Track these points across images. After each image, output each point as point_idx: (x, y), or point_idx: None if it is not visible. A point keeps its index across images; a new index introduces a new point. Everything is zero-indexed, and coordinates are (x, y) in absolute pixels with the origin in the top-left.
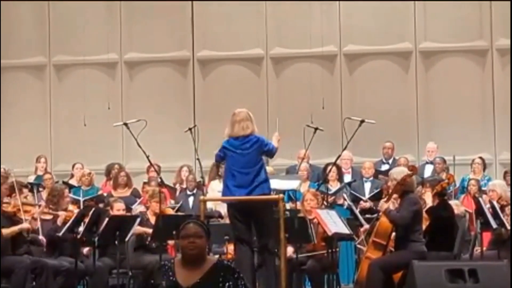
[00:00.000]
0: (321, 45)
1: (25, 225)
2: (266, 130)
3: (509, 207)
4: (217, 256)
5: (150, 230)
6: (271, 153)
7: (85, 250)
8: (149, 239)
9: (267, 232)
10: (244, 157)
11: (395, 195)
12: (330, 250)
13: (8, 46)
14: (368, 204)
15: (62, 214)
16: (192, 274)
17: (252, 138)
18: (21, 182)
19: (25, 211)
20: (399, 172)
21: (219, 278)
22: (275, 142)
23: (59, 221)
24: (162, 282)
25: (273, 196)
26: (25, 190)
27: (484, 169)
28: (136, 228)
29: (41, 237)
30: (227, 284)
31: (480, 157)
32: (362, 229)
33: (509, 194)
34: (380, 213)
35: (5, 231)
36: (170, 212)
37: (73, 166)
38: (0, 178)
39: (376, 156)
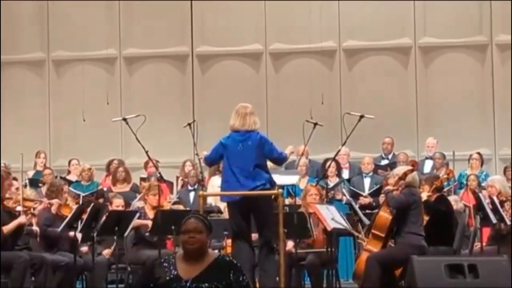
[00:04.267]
0: (320, 40)
1: (22, 219)
2: (265, 125)
3: (509, 202)
4: (216, 251)
5: (147, 222)
6: (281, 160)
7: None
8: (147, 234)
9: (268, 226)
10: (243, 153)
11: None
12: (330, 248)
13: (8, 42)
14: (368, 200)
15: (55, 202)
16: (193, 269)
17: (254, 135)
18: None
19: (25, 206)
20: (401, 169)
21: (220, 273)
22: (288, 153)
23: (53, 209)
24: (164, 276)
25: (272, 191)
26: (15, 183)
27: (481, 165)
28: (136, 221)
29: (35, 227)
30: (228, 278)
31: (478, 153)
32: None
33: (508, 189)
34: (381, 207)
35: (6, 228)
36: (168, 206)
37: (69, 162)
38: (1, 174)
39: (376, 152)
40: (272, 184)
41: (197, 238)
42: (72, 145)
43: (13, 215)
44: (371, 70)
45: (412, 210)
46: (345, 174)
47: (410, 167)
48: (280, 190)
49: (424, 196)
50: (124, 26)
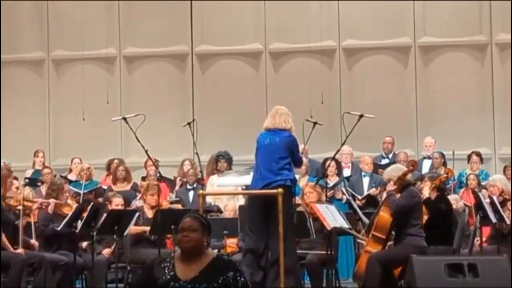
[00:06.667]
0: (320, 39)
1: (19, 252)
2: None
3: (511, 201)
4: (215, 250)
5: (146, 228)
6: (298, 163)
7: (84, 244)
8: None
9: (277, 234)
10: (269, 148)
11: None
12: (329, 248)
13: (7, 41)
14: (375, 191)
15: (52, 201)
16: (191, 268)
17: (284, 133)
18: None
19: (25, 206)
20: (395, 170)
21: (218, 272)
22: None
23: (49, 209)
24: (162, 276)
25: (272, 190)
26: (16, 182)
27: (481, 163)
28: (133, 228)
29: (33, 241)
30: (226, 278)
31: (476, 153)
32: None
33: (509, 188)
34: (380, 207)
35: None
36: (167, 205)
37: (71, 161)
38: (3, 172)
39: (376, 151)
40: (294, 182)
41: (191, 237)
42: (72, 144)
43: (14, 213)
44: (370, 69)
45: (413, 213)
46: (347, 173)
47: (405, 168)
48: (280, 190)
49: (425, 193)
50: (124, 26)
